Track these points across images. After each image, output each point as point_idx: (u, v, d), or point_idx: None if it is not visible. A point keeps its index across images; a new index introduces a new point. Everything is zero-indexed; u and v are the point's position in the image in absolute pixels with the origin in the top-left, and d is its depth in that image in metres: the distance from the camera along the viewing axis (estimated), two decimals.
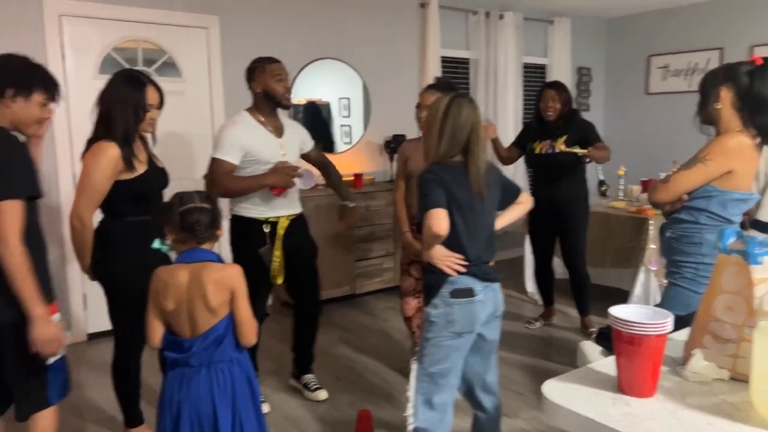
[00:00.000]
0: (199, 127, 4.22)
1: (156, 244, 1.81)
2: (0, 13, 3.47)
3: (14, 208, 1.79)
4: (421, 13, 5.22)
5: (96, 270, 2.41)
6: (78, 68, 3.76)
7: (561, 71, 6.09)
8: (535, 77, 6.12)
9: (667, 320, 1.22)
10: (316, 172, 2.98)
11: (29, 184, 1.86)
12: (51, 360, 1.97)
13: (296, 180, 2.76)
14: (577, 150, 3.55)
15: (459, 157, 2.02)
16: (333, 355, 3.61)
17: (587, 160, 3.64)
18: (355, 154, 4.96)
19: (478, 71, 5.56)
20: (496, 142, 3.86)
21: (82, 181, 2.27)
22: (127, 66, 3.88)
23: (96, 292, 3.87)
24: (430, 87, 3.01)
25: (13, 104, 1.90)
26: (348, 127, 4.97)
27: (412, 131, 4.98)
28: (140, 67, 3.91)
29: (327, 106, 4.84)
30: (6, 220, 1.77)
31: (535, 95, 6.06)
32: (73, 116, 3.73)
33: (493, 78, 5.63)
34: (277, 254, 2.84)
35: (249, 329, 1.80)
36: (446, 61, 5.40)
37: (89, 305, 3.89)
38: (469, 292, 2.00)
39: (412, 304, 3.11)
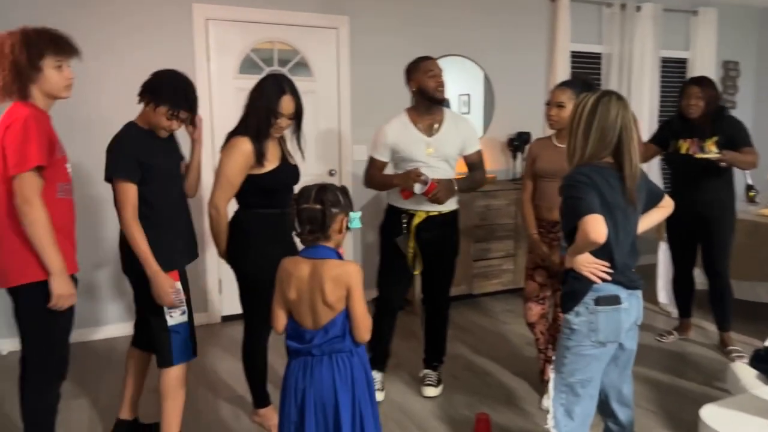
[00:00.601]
0: (327, 124, 4.37)
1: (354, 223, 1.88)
2: (153, 18, 3.80)
3: (125, 188, 2.19)
4: (550, 6, 5.03)
5: (229, 257, 2.59)
6: (220, 69, 4.02)
7: (704, 66, 5.60)
8: (674, 72, 5.68)
9: None
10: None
11: (128, 170, 2.21)
12: (170, 321, 2.28)
13: (415, 185, 2.77)
14: (711, 155, 3.25)
15: (608, 158, 1.93)
16: (450, 355, 3.57)
17: (723, 164, 3.30)
18: None
19: (611, 66, 5.26)
20: None
21: (218, 173, 2.46)
22: (264, 66, 4.11)
23: (230, 277, 4.12)
24: (563, 84, 2.88)
25: (152, 112, 2.27)
26: None
27: (538, 128, 4.83)
28: (275, 68, 4.12)
29: (446, 102, 4.81)
30: (122, 198, 2.20)
31: (673, 92, 5.69)
32: (215, 114, 4.00)
33: (627, 74, 5.30)
34: (411, 245, 2.92)
35: (363, 326, 1.83)
36: (576, 56, 5.17)
37: (224, 289, 4.17)
38: (614, 300, 1.92)
39: (535, 310, 3.01)
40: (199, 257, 4.00)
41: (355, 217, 1.86)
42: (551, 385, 2.06)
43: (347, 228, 1.87)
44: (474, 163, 3.05)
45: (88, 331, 3.84)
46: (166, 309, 2.29)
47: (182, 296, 2.33)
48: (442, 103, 2.96)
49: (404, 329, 4.02)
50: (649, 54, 5.32)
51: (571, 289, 1.97)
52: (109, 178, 2.24)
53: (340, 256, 1.86)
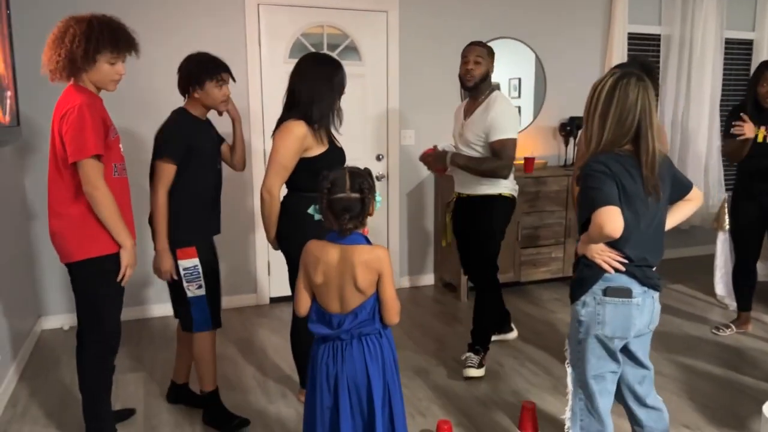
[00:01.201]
0: (375, 109, 4.36)
1: (311, 210, 1.88)
2: (205, 4, 3.86)
3: (166, 168, 2.38)
4: None
5: (279, 239, 2.63)
6: (271, 53, 4.06)
7: None
8: (739, 55, 5.41)
9: None
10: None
11: (175, 152, 2.39)
12: (189, 294, 2.49)
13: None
14: None
15: (628, 146, 1.82)
16: (496, 342, 3.55)
17: None
18: (525, 137, 4.80)
19: (671, 49, 5.05)
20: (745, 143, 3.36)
21: (272, 157, 2.49)
22: (313, 50, 4.13)
23: (279, 260, 4.21)
24: (620, 66, 2.78)
25: (197, 95, 2.45)
26: (518, 108, 4.81)
27: None
28: (325, 51, 4.13)
29: (497, 86, 4.72)
30: (161, 175, 2.38)
31: (738, 76, 5.42)
32: (266, 98, 4.06)
33: (688, 56, 5.07)
34: (447, 220, 3.35)
35: (393, 309, 1.82)
36: (633, 38, 4.98)
37: (272, 271, 4.25)
38: (626, 292, 1.82)
39: None
40: (250, 240, 4.13)
41: (379, 199, 1.84)
42: (568, 380, 2.01)
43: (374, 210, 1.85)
44: (494, 150, 3.00)
45: (145, 309, 3.99)
46: (185, 283, 2.48)
47: (199, 271, 2.49)
48: (469, 90, 3.10)
49: (448, 314, 4.01)
50: (711, 35, 5.08)
51: (580, 276, 1.89)
52: (158, 157, 2.40)
53: (368, 241, 1.84)
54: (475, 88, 3.04)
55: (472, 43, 3.08)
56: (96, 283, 2.23)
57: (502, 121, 2.94)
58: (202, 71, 2.44)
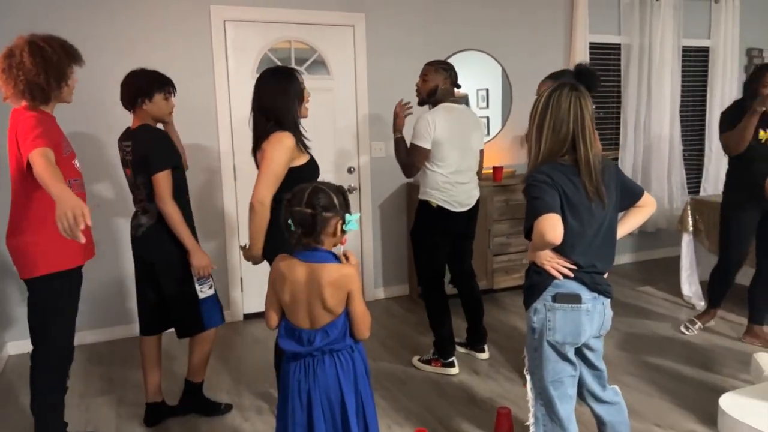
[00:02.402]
0: (344, 121, 4.39)
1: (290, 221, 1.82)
2: (171, 21, 3.84)
3: (167, 177, 2.50)
4: None
5: (264, 252, 2.62)
6: (239, 68, 4.06)
7: (727, 54, 5.53)
8: (696, 62, 5.59)
9: None
10: None
11: (173, 158, 2.57)
12: (202, 295, 2.63)
13: None
14: None
15: (568, 156, 1.86)
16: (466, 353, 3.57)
17: None
18: (494, 146, 4.88)
19: (631, 57, 5.20)
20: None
21: (265, 168, 2.43)
22: (281, 65, 4.14)
23: (251, 276, 4.18)
24: (550, 76, 2.88)
25: (146, 107, 2.57)
26: (485, 119, 4.89)
27: None
28: (292, 66, 4.15)
29: (465, 98, 4.80)
30: (163, 185, 2.49)
31: (695, 81, 5.60)
32: (234, 113, 4.05)
33: (648, 64, 5.23)
34: None
35: (363, 324, 1.82)
36: (595, 48, 5.11)
37: (245, 288, 4.22)
38: (575, 298, 1.86)
39: None
40: (222, 257, 4.10)
41: (351, 219, 1.78)
42: (528, 387, 2.03)
43: (342, 231, 1.79)
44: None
45: (113, 330, 3.91)
46: (197, 286, 2.62)
47: (209, 272, 2.65)
48: (420, 104, 3.31)
49: (423, 324, 4.02)
50: (669, 43, 5.25)
51: (531, 283, 1.93)
52: (155, 172, 2.50)
53: (337, 259, 1.81)
54: (424, 102, 3.27)
55: (426, 63, 3.29)
56: (55, 299, 2.22)
57: (415, 127, 3.15)
58: (152, 84, 2.58)
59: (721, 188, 5.55)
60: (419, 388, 3.13)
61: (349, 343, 1.83)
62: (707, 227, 4.19)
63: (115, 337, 3.90)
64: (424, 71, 3.25)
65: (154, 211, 2.58)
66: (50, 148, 2.00)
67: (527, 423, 2.07)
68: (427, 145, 3.10)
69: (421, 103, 3.29)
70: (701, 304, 4.18)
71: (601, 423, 2.12)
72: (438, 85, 3.19)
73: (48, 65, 2.12)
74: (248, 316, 4.26)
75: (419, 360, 3.37)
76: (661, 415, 2.79)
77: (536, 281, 1.91)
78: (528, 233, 1.90)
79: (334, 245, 1.83)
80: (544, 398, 1.97)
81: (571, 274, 1.87)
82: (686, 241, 4.29)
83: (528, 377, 2.02)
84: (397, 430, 2.71)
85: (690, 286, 4.28)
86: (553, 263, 1.86)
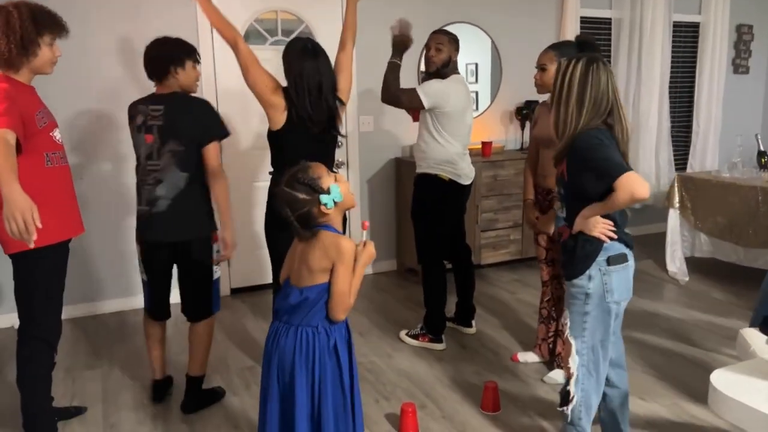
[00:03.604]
0: None
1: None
2: None
3: (218, 148, 2.49)
4: None
5: (269, 227, 2.73)
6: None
7: (717, 30, 5.51)
8: (686, 38, 5.57)
9: None
10: None
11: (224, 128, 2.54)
12: (216, 276, 2.59)
13: None
14: None
15: (600, 125, 1.91)
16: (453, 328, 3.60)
17: None
18: (483, 121, 4.84)
19: (621, 32, 5.16)
20: None
21: None
22: (268, 36, 4.07)
23: (239, 250, 4.14)
24: (552, 47, 2.85)
25: (178, 75, 2.48)
26: (475, 93, 4.84)
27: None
28: (279, 37, 4.08)
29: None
30: (218, 154, 2.48)
31: (685, 57, 5.58)
32: (220, 84, 3.98)
33: (638, 39, 5.19)
34: None
35: (340, 304, 1.75)
36: (586, 22, 5.06)
37: (233, 262, 4.19)
38: (623, 258, 1.95)
39: (546, 270, 3.01)
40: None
41: (328, 199, 1.73)
42: (573, 350, 2.03)
43: (334, 203, 1.75)
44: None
45: (97, 305, 3.88)
46: (214, 266, 2.59)
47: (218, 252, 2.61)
48: (430, 75, 3.16)
49: (410, 299, 4.04)
50: (660, 18, 5.21)
51: (584, 253, 1.96)
52: (214, 139, 2.48)
53: (338, 232, 1.81)
54: (437, 73, 3.11)
55: (435, 31, 3.18)
56: (42, 273, 2.19)
57: (429, 83, 3.09)
58: (183, 52, 2.49)
59: (708, 165, 5.61)
60: (406, 362, 3.15)
61: (318, 321, 1.78)
62: (694, 203, 4.22)
63: (102, 311, 3.87)
64: (438, 40, 3.11)
65: (175, 182, 2.44)
66: (11, 128, 1.92)
67: (568, 388, 2.03)
68: (427, 104, 3.05)
69: (430, 73, 3.17)
70: (685, 279, 4.23)
71: (608, 387, 2.15)
72: (451, 56, 3.11)
73: (10, 31, 2.03)
74: (235, 291, 4.25)
75: (407, 334, 3.39)
76: (645, 388, 2.83)
77: (589, 250, 1.94)
78: (588, 199, 1.92)
79: (332, 220, 1.79)
80: (592, 358, 2.01)
81: (616, 236, 1.94)
82: (672, 216, 4.32)
83: (572, 341, 2.02)
84: (384, 404, 2.73)
85: (675, 261, 4.32)
86: (600, 228, 1.92)
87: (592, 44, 2.44)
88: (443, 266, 3.30)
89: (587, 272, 1.95)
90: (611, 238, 1.92)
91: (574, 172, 1.94)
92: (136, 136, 2.49)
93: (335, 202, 1.75)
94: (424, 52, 3.20)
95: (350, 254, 1.75)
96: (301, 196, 1.73)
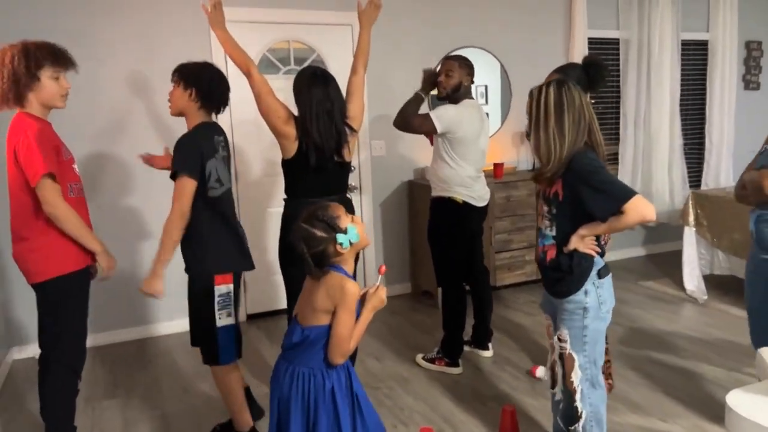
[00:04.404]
0: None
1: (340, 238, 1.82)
2: (172, 20, 3.84)
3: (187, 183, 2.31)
4: None
5: (284, 254, 2.70)
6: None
7: (726, 47, 5.52)
8: (695, 55, 5.58)
9: None
10: None
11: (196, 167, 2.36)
12: (219, 323, 2.38)
13: None
14: None
15: (587, 147, 1.99)
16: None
17: None
18: (494, 143, 4.85)
19: (630, 52, 5.19)
20: None
21: None
22: (281, 66, 4.14)
23: (254, 276, 4.16)
24: (557, 70, 2.87)
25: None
26: (485, 115, 4.87)
27: None
28: (291, 67, 4.15)
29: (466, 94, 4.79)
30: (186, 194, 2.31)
31: (694, 75, 5.59)
32: (234, 114, 4.05)
33: (647, 58, 5.22)
34: None
35: (339, 347, 1.74)
36: (594, 43, 5.10)
37: (249, 288, 4.21)
38: (607, 269, 2.06)
39: None
40: None
41: (344, 238, 1.75)
42: (576, 365, 2.05)
43: (350, 243, 1.76)
44: None
45: (118, 333, 3.92)
46: (216, 310, 2.38)
47: (231, 298, 2.43)
48: (441, 99, 3.25)
49: (426, 322, 4.03)
50: (668, 37, 5.24)
51: (581, 270, 2.01)
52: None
53: (348, 275, 1.80)
54: (447, 98, 3.20)
55: (446, 57, 3.27)
56: (65, 301, 2.24)
57: (443, 108, 3.14)
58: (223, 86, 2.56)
59: (722, 181, 5.57)
60: (423, 386, 3.13)
61: (313, 365, 1.78)
62: (709, 221, 4.19)
63: (121, 340, 3.90)
64: (447, 66, 3.18)
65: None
66: (53, 171, 2.11)
67: (575, 404, 2.07)
68: (440, 129, 3.09)
69: (441, 98, 3.24)
70: (704, 298, 4.18)
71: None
72: (462, 81, 3.17)
73: (3, 67, 2.12)
74: (252, 317, 4.27)
75: (423, 358, 3.38)
76: (665, 410, 2.79)
77: (585, 266, 2.01)
78: (586, 220, 1.97)
79: (346, 261, 1.80)
80: (594, 371, 2.08)
81: (599, 250, 2.03)
82: (688, 234, 4.29)
83: (576, 357, 2.06)
84: (402, 429, 2.72)
85: (693, 279, 4.28)
86: (589, 245, 2.00)
87: (599, 65, 2.47)
88: (462, 289, 3.30)
89: (583, 288, 2.01)
90: (597, 252, 2.01)
91: (575, 193, 1.96)
92: (220, 168, 2.43)
93: (351, 243, 1.77)
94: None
95: (353, 298, 1.74)
96: (319, 233, 1.74)
